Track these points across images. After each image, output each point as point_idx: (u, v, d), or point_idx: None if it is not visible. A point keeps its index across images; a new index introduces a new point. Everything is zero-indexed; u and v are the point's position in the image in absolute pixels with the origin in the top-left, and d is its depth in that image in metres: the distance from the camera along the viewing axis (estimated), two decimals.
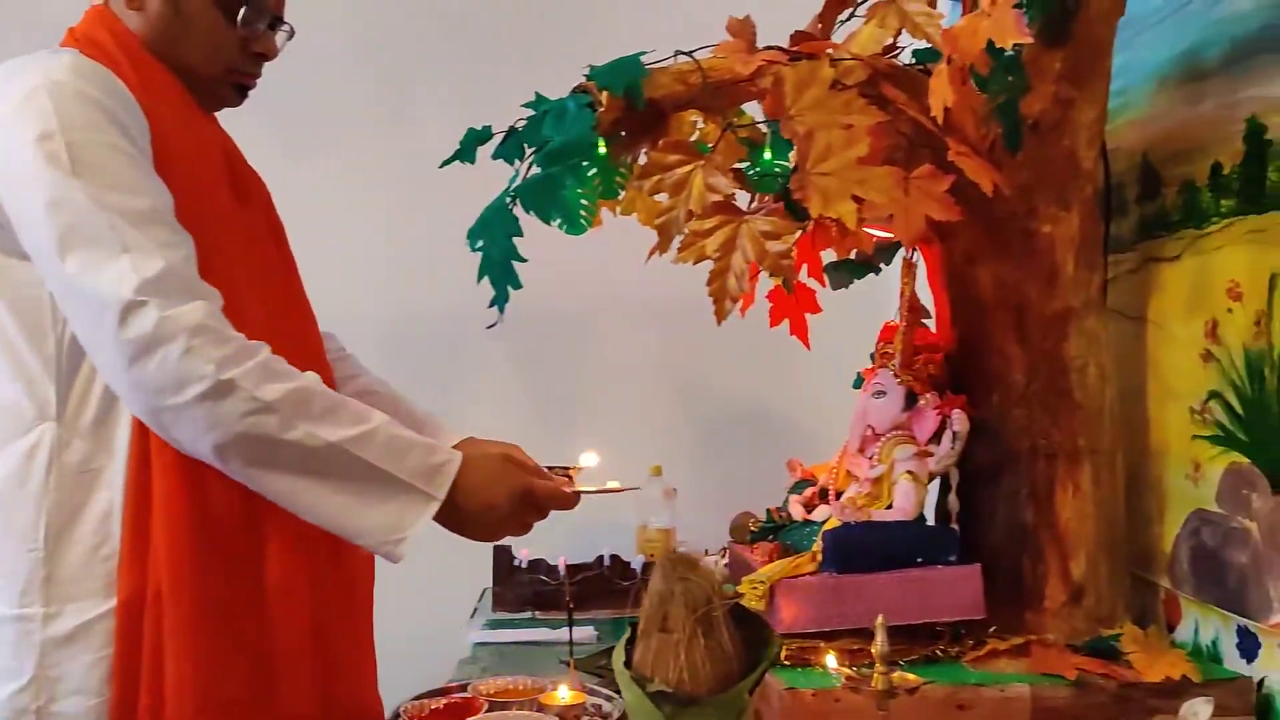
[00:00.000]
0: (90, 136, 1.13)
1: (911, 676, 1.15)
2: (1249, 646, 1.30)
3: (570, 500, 1.27)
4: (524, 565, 2.04)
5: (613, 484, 1.33)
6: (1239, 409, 1.30)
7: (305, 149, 2.36)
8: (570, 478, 1.33)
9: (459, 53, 2.47)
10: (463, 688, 1.49)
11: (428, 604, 2.12)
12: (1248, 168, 1.29)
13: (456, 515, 1.20)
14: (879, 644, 1.11)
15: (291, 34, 1.36)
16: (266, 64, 1.34)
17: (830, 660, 1.27)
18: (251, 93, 1.36)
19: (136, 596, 1.17)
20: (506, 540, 2.04)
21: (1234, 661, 1.33)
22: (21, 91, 1.14)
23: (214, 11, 1.27)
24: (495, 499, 1.21)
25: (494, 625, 1.97)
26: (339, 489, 1.14)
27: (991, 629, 1.39)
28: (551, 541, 2.17)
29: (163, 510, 1.17)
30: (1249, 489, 1.28)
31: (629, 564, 2.03)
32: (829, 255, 1.65)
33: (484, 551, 2.08)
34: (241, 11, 1.27)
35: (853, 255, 1.68)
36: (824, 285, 1.66)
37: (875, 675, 1.11)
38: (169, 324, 1.08)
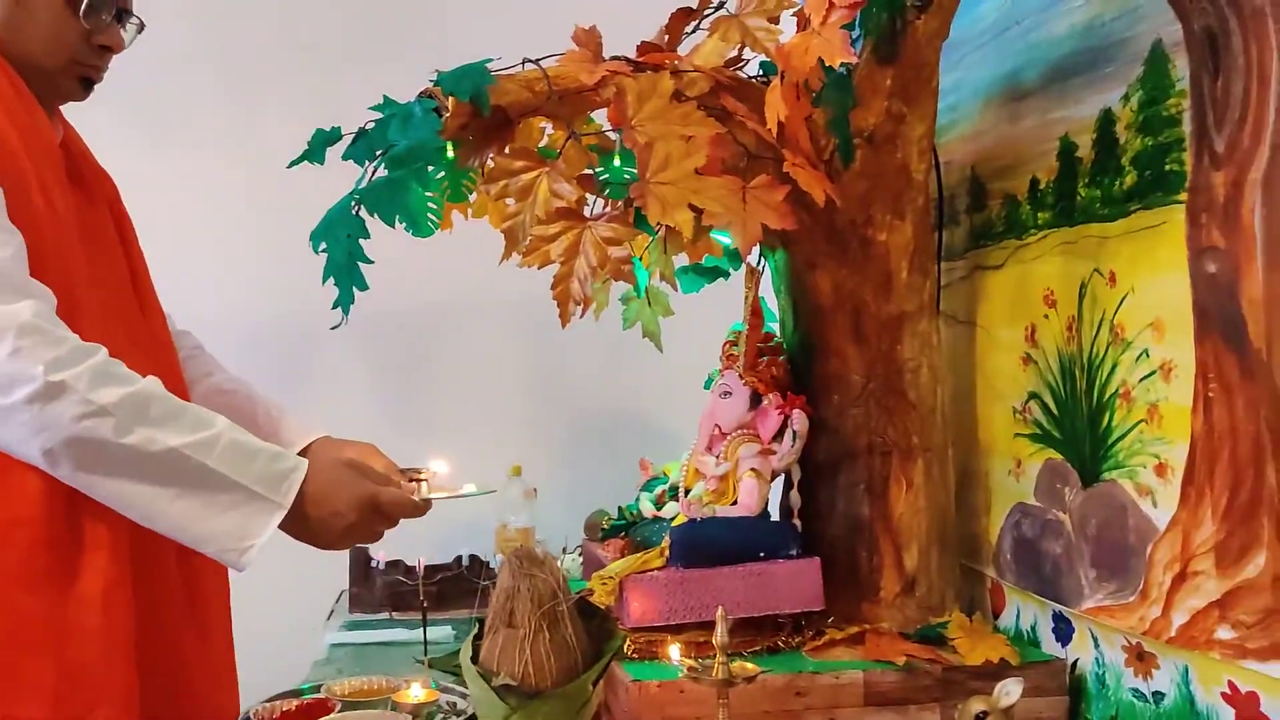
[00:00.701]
0: None
1: (750, 666, 1.19)
2: (1064, 631, 1.39)
3: (419, 509, 1.27)
4: (381, 567, 2.04)
5: (469, 488, 1.34)
6: (1054, 409, 1.39)
7: (154, 146, 2.30)
8: (423, 482, 1.33)
9: (309, 51, 2.44)
10: (316, 689, 1.49)
11: (284, 605, 2.09)
12: (1061, 183, 1.38)
13: (303, 523, 1.19)
14: (719, 635, 1.15)
15: (141, 27, 1.33)
16: (116, 58, 1.31)
17: (674, 652, 1.31)
18: (101, 87, 1.33)
19: None
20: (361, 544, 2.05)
21: (1050, 645, 1.42)
22: None
23: (57, 2, 1.23)
24: (340, 507, 1.20)
25: (351, 626, 1.96)
26: (179, 495, 1.12)
27: (830, 619, 1.45)
28: (410, 542, 2.17)
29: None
30: (1062, 483, 1.37)
31: (488, 564, 2.05)
32: (681, 260, 1.69)
33: (340, 555, 2.06)
34: (84, 2, 1.24)
35: (704, 261, 1.73)
36: (675, 289, 1.70)
37: (716, 665, 1.16)
38: None
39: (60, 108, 1.33)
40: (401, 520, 1.27)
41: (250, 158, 2.38)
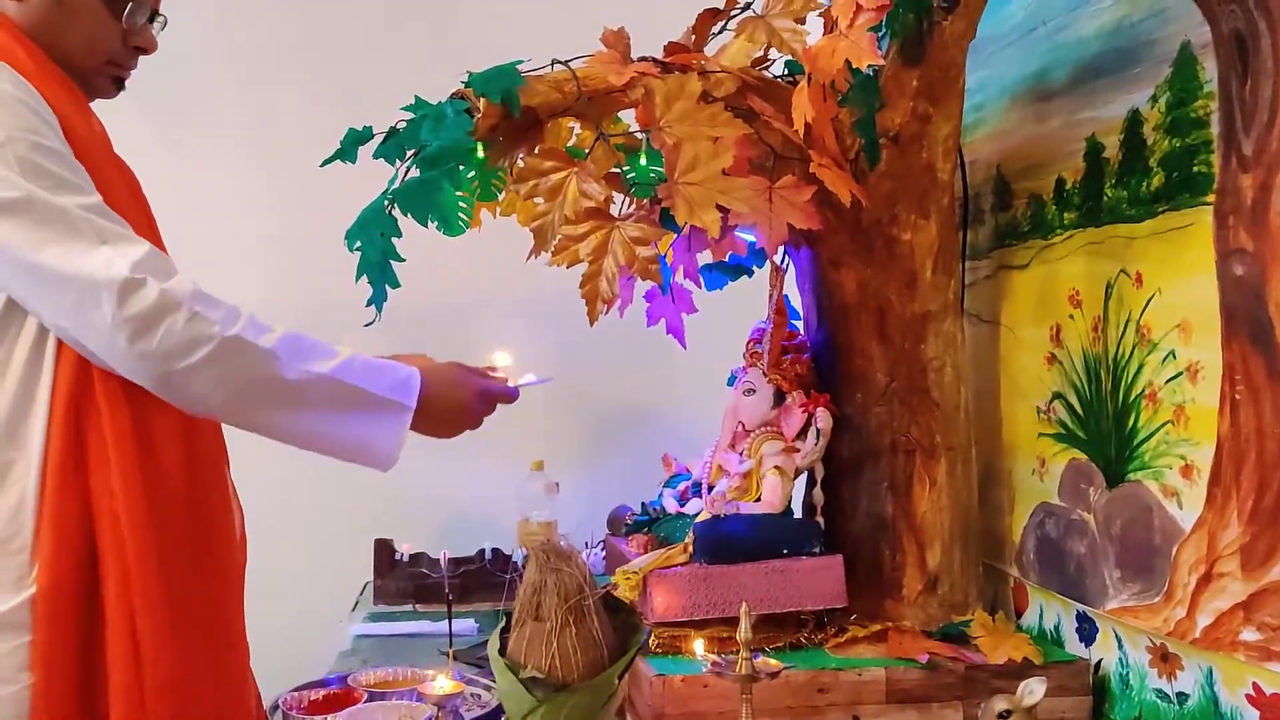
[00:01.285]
0: (32, 139, 1.15)
1: (774, 662, 1.21)
2: (1087, 631, 1.40)
3: (513, 395, 1.39)
4: (405, 559, 2.06)
5: (529, 376, 1.41)
6: (1078, 409, 1.40)
7: (169, 141, 2.32)
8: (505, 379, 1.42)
9: (325, 48, 2.45)
10: (342, 679, 1.51)
11: (309, 597, 2.11)
12: (1087, 184, 1.38)
13: (429, 420, 1.30)
14: (743, 631, 1.17)
15: (165, 23, 1.36)
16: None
17: (698, 647, 1.33)
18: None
19: (63, 583, 1.19)
20: (388, 534, 2.07)
21: (1074, 645, 1.42)
22: None
23: (99, 6, 1.27)
24: (464, 400, 1.33)
25: (375, 618, 1.98)
26: (335, 415, 1.24)
27: (853, 616, 1.46)
28: (433, 536, 2.19)
29: (123, 496, 1.20)
30: (1087, 483, 1.37)
31: (510, 557, 2.06)
32: (706, 257, 1.70)
33: (365, 545, 2.09)
34: (128, 6, 1.28)
35: (727, 258, 1.74)
36: (700, 287, 1.71)
37: (739, 661, 1.17)
38: (170, 295, 1.14)
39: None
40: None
41: (267, 154, 2.40)
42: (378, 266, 1.17)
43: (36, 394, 1.20)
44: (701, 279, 1.73)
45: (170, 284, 1.15)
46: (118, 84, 1.34)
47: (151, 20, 1.33)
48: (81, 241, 1.14)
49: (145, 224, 1.37)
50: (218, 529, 1.32)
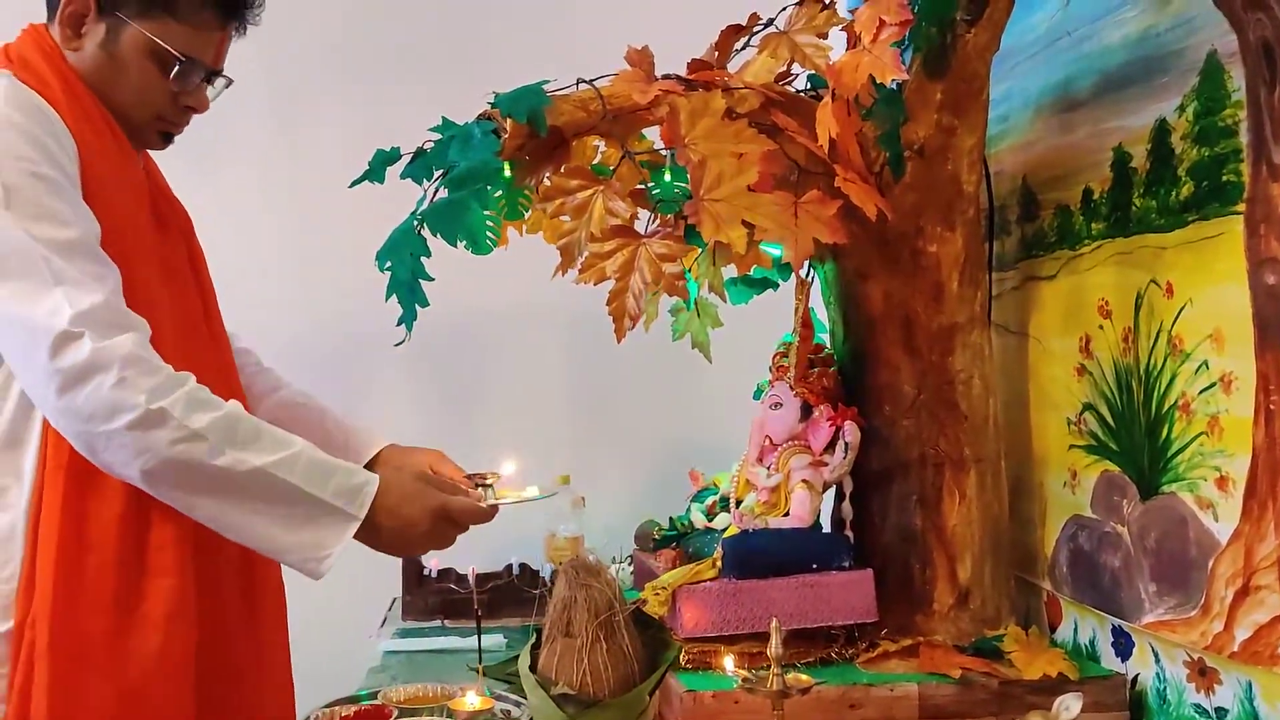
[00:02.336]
0: (20, 166, 1.15)
1: (805, 677, 1.20)
2: (1123, 646, 1.38)
3: (487, 515, 1.31)
4: (433, 575, 2.06)
5: (531, 490, 1.38)
6: (1110, 420, 1.39)
7: (205, 165, 2.34)
8: (489, 486, 1.37)
9: (354, 72, 2.47)
10: (373, 695, 1.51)
11: (338, 614, 2.12)
12: (1115, 193, 1.37)
13: (377, 533, 1.24)
14: (774, 646, 1.16)
15: (229, 83, 1.36)
16: None
17: (728, 662, 1.32)
18: None
19: (23, 621, 1.18)
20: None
21: (1110, 660, 1.41)
22: None
23: (148, 63, 1.28)
24: (413, 517, 1.25)
25: (404, 634, 1.98)
26: (264, 511, 1.18)
27: (884, 631, 1.45)
28: (461, 551, 2.20)
29: (45, 539, 1.18)
30: (1120, 496, 1.36)
31: (538, 572, 2.06)
32: (730, 271, 1.70)
33: (394, 560, 2.09)
34: (177, 68, 1.28)
35: (752, 272, 1.74)
36: (725, 301, 1.71)
37: (770, 677, 1.16)
38: (102, 354, 1.12)
39: None
40: (471, 526, 1.31)
41: (296, 177, 2.42)
42: (407, 286, 1.18)
43: (31, 422, 1.20)
44: (726, 293, 1.73)
45: (108, 342, 1.12)
46: (166, 138, 1.35)
47: (208, 81, 1.33)
48: (34, 281, 1.12)
49: (186, 263, 1.38)
50: (176, 582, 1.23)
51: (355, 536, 1.22)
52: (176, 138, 1.37)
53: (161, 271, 1.29)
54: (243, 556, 1.29)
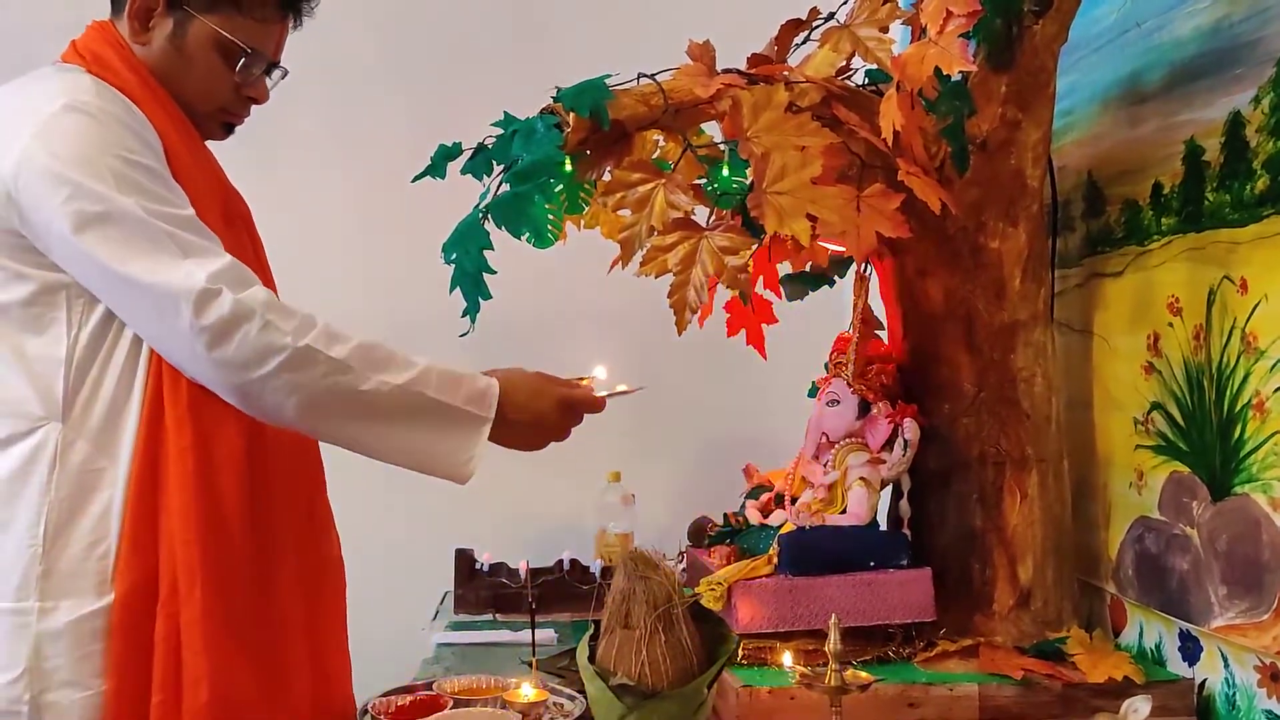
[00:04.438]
0: (125, 156, 1.20)
1: (864, 674, 1.19)
2: (1191, 650, 1.36)
3: (600, 404, 1.38)
4: (485, 569, 2.07)
5: (621, 387, 1.41)
6: (1179, 420, 1.36)
7: (264, 161, 2.37)
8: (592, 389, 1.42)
9: (413, 69, 2.49)
10: (428, 685, 1.52)
11: (391, 606, 2.14)
12: (1186, 188, 1.34)
13: (511, 430, 1.31)
14: (832, 643, 1.15)
15: (285, 74, 1.40)
16: None
17: (786, 658, 1.32)
18: None
19: (137, 592, 1.22)
20: (468, 544, 2.09)
21: (1176, 664, 1.38)
22: (49, 112, 1.20)
23: (214, 56, 1.32)
24: (543, 410, 1.33)
25: (456, 627, 1.99)
26: (409, 426, 1.25)
27: (942, 631, 1.44)
28: (513, 546, 2.21)
29: (181, 516, 1.23)
30: (1189, 497, 1.33)
31: (588, 568, 2.06)
32: (785, 267, 1.69)
33: (446, 556, 2.11)
34: (241, 60, 1.32)
35: (808, 268, 1.73)
36: (780, 297, 1.70)
37: (829, 673, 1.16)
38: (243, 305, 1.17)
39: None
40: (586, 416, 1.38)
41: (358, 172, 2.45)
42: (471, 278, 1.19)
43: (129, 406, 1.25)
44: (782, 289, 1.72)
45: (245, 294, 1.18)
46: (227, 129, 1.40)
47: (268, 73, 1.37)
48: (165, 255, 1.18)
49: (250, 252, 1.41)
50: (288, 555, 1.32)
51: (491, 437, 1.28)
52: (238, 129, 1.41)
53: (236, 252, 1.31)
54: (318, 543, 1.32)
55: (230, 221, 1.36)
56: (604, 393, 1.38)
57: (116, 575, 1.22)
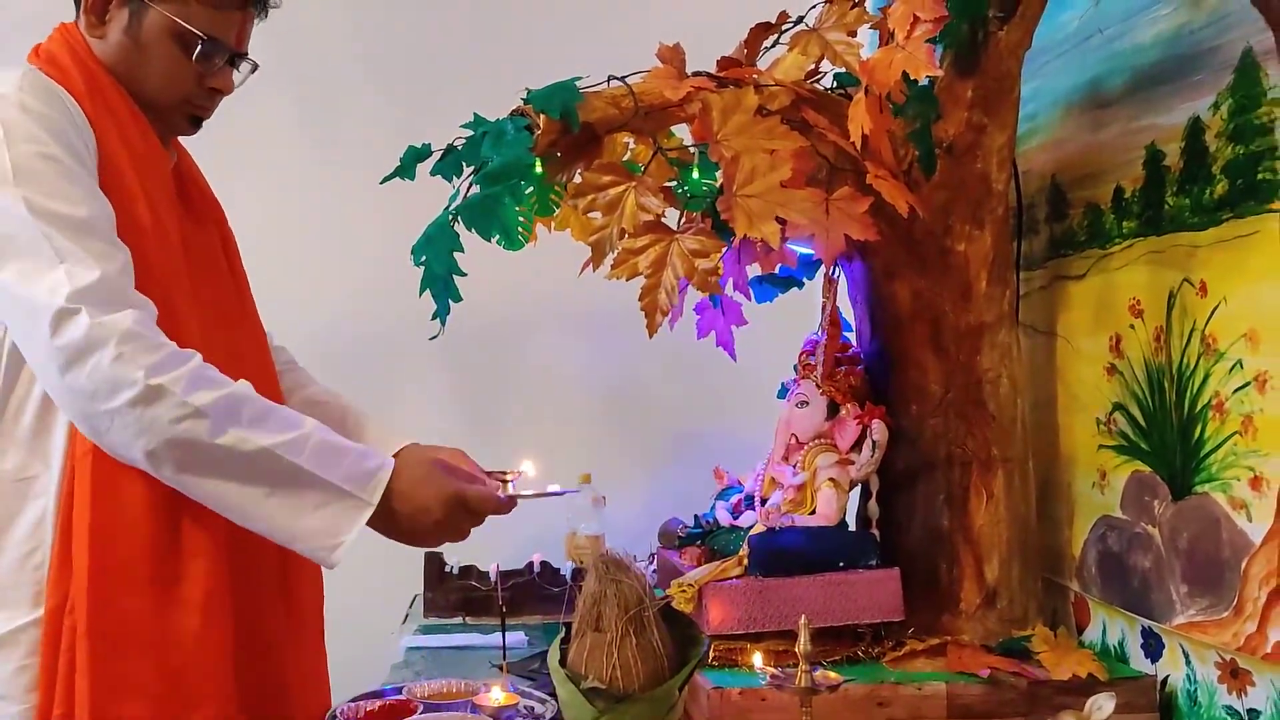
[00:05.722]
0: (29, 148, 1.16)
1: (834, 675, 1.20)
2: (1153, 647, 1.38)
3: (504, 506, 1.29)
4: (455, 571, 2.07)
5: (553, 487, 1.36)
6: (1141, 420, 1.38)
7: (233, 162, 2.36)
8: (508, 483, 1.36)
9: (383, 71, 2.48)
10: (397, 690, 1.52)
11: (360, 610, 2.13)
12: (1147, 192, 1.37)
13: (391, 520, 1.23)
14: (802, 644, 1.16)
15: (255, 68, 1.38)
16: None
17: (757, 659, 1.32)
18: None
19: (60, 606, 1.18)
20: (440, 547, 2.08)
21: (1139, 661, 1.40)
22: None
23: (172, 45, 1.29)
24: (427, 503, 1.23)
25: (426, 630, 1.99)
26: (271, 494, 1.16)
27: (910, 630, 1.45)
28: (483, 549, 2.20)
29: (79, 523, 1.18)
30: (1151, 496, 1.36)
31: (559, 570, 2.06)
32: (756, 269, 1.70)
33: (415, 557, 2.10)
34: (198, 47, 1.29)
35: (777, 270, 1.74)
36: (749, 299, 1.71)
37: (799, 674, 1.17)
38: (100, 330, 1.11)
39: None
40: (489, 518, 1.29)
41: (320, 174, 2.44)
42: (441, 281, 1.19)
43: (58, 409, 1.20)
44: (751, 291, 1.73)
45: (106, 318, 1.11)
46: (194, 123, 1.36)
47: (233, 64, 1.34)
48: (39, 259, 1.12)
49: (220, 252, 1.39)
50: (219, 563, 1.24)
51: (371, 524, 1.20)
52: (207, 124, 1.37)
53: (185, 254, 1.29)
54: (280, 553, 1.30)
55: (199, 220, 1.35)
56: (525, 492, 1.30)
57: (49, 587, 1.18)
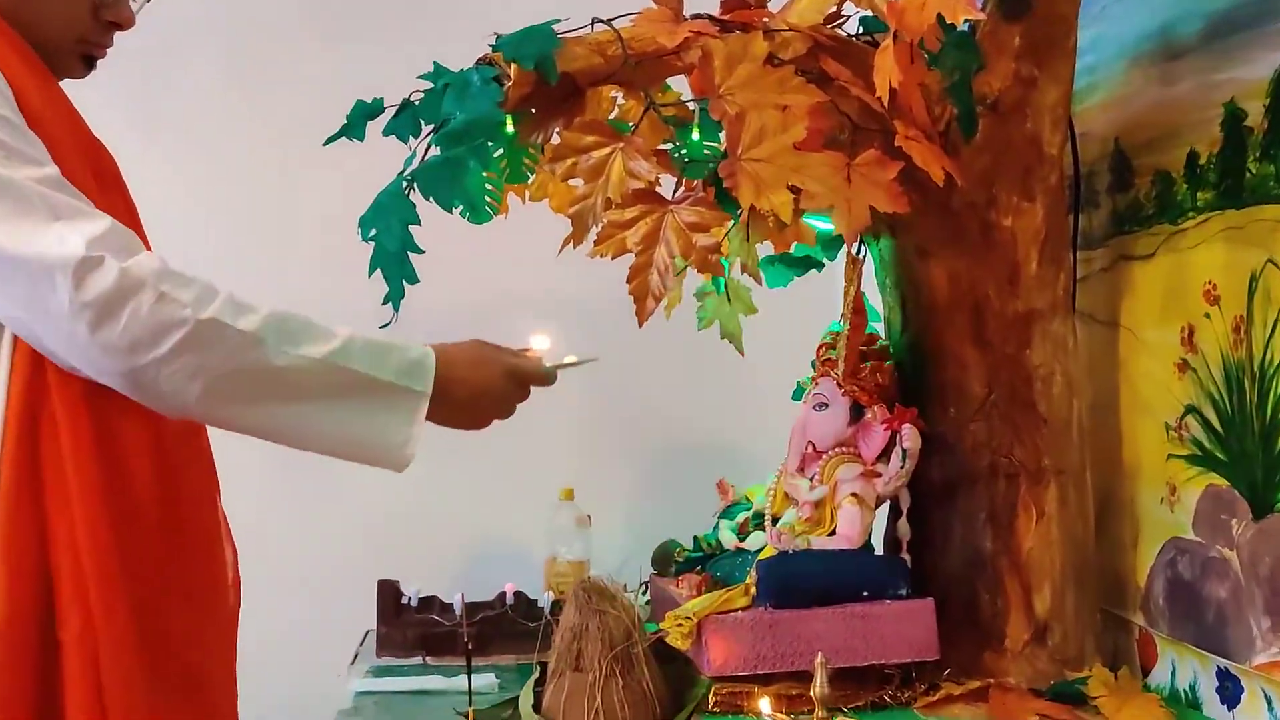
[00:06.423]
0: None
1: None
2: (1230, 691, 1.39)
3: (549, 377, 1.40)
4: (413, 603, 2.07)
5: (571, 358, 1.43)
6: (1217, 425, 1.39)
7: (149, 121, 2.36)
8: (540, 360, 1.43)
9: (328, 13, 2.48)
10: None
11: (300, 648, 2.14)
12: (1225, 157, 1.37)
13: (450, 407, 1.31)
14: (818, 687, 1.18)
15: None
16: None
17: (764, 705, 1.34)
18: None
19: (21, 619, 1.20)
20: (393, 575, 2.09)
21: (1213, 708, 1.41)
22: None
23: None
24: (489, 382, 1.34)
25: (379, 672, 1.99)
26: (329, 406, 1.25)
27: (946, 671, 1.47)
28: (447, 577, 2.21)
29: (84, 521, 1.22)
30: (1228, 514, 1.36)
31: (536, 602, 2.07)
32: (766, 249, 1.71)
33: (366, 588, 2.11)
34: None
35: (792, 249, 1.75)
36: (760, 283, 1.72)
37: None
38: (131, 275, 1.15)
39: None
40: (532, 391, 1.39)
41: (252, 133, 2.44)
42: (395, 259, 1.19)
43: None
44: (762, 274, 1.74)
45: (132, 262, 1.16)
46: (88, 63, 1.39)
47: None
48: (32, 218, 1.16)
49: (124, 212, 1.41)
50: (202, 565, 1.33)
51: (428, 415, 1.29)
52: (118, 79, 1.39)
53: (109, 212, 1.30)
54: (184, 561, 1.32)
55: (102, 180, 1.36)
56: (552, 364, 1.40)
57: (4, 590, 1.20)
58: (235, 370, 1.19)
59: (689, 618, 1.44)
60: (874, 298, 1.70)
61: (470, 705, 1.69)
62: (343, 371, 1.23)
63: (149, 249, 1.41)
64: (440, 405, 1.29)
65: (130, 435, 1.25)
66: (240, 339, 1.19)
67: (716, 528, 1.73)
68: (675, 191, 1.33)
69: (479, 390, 1.33)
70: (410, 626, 2.06)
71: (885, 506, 1.58)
